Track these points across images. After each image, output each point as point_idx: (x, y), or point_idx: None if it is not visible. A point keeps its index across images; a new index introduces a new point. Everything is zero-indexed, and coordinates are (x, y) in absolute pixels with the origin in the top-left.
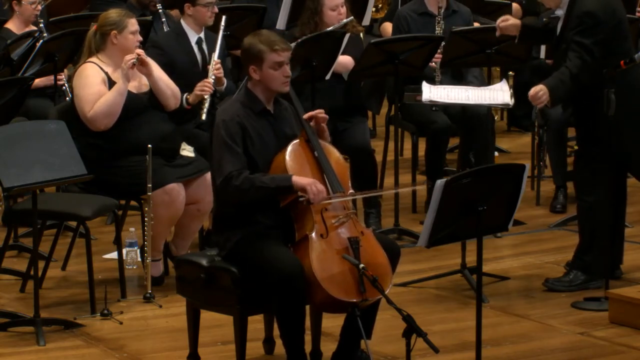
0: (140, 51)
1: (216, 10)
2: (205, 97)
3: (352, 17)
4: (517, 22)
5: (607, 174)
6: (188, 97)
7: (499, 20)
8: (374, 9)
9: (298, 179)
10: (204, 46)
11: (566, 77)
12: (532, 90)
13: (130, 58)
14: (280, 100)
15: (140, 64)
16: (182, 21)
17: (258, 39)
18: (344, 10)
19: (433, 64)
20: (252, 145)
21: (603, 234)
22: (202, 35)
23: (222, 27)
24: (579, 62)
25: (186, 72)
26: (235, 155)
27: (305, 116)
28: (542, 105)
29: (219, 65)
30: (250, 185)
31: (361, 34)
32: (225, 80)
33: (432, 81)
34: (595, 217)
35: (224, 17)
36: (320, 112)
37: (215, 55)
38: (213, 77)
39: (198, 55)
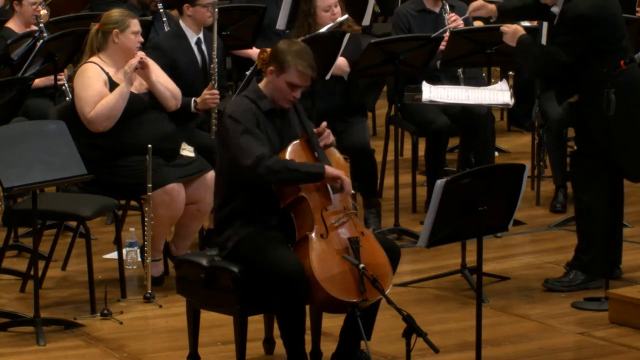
0: (142, 54)
1: (216, 10)
2: (214, 112)
3: (347, 16)
4: (493, 7)
5: (603, 173)
6: (197, 103)
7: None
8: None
9: (331, 168)
10: (204, 47)
11: (538, 51)
12: (509, 26)
13: (134, 62)
14: None
15: (141, 67)
16: (181, 22)
17: (293, 50)
18: (337, 10)
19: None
20: None
21: (601, 234)
22: (201, 35)
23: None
24: (552, 57)
25: (187, 73)
26: (261, 139)
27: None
28: (507, 42)
29: (216, 96)
30: (283, 167)
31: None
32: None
33: (432, 81)
34: (592, 217)
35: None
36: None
37: (215, 56)
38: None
39: (198, 55)
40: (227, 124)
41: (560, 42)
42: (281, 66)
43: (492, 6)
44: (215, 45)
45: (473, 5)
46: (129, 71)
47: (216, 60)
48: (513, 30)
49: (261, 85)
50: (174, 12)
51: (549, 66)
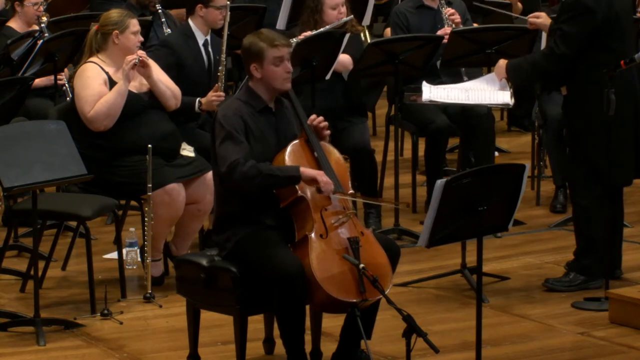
0: (142, 52)
1: (228, 12)
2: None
3: (351, 16)
4: (548, 21)
5: (599, 175)
6: (202, 104)
7: (530, 16)
8: None
9: (306, 170)
10: (210, 49)
11: (529, 61)
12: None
13: (131, 59)
14: (282, 100)
15: (141, 65)
16: (190, 22)
17: (258, 37)
18: (344, 9)
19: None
20: (253, 142)
21: (601, 236)
22: (208, 37)
23: (227, 17)
24: (549, 52)
25: (193, 74)
26: (240, 144)
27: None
28: (500, 78)
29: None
30: (257, 172)
31: (362, 34)
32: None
33: (432, 78)
34: (591, 221)
35: (226, 22)
36: (319, 121)
37: (223, 56)
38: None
39: (204, 56)
40: (215, 128)
41: (559, 34)
42: (259, 55)
43: (549, 20)
44: (224, 47)
45: (534, 13)
46: (126, 69)
47: (224, 62)
48: (497, 65)
49: (251, 84)
50: (173, 12)
51: (550, 62)
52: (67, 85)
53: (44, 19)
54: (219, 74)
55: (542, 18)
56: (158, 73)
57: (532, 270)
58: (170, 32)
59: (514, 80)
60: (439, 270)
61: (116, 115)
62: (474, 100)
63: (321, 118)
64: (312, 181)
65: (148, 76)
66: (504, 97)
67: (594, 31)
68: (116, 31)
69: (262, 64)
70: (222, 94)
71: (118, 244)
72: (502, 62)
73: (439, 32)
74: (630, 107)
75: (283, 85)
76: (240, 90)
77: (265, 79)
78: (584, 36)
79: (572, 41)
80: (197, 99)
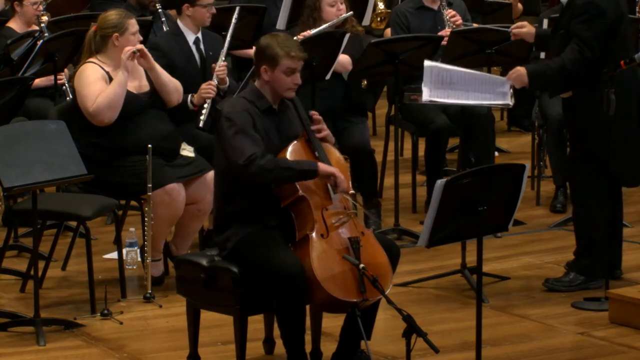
0: (140, 45)
1: (214, 10)
2: (207, 102)
3: (351, 13)
4: (532, 30)
5: (602, 177)
6: (193, 98)
7: (513, 27)
8: (378, 20)
9: (323, 165)
10: (202, 46)
11: (555, 67)
12: (511, 72)
13: (129, 49)
14: (284, 100)
15: (141, 56)
16: (179, 21)
17: (276, 41)
18: (342, 7)
19: None
20: None
21: (601, 236)
22: (199, 35)
23: (233, 21)
24: (578, 56)
25: (185, 72)
26: (255, 139)
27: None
28: (519, 86)
29: (224, 68)
30: (275, 165)
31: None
32: (227, 80)
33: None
34: (593, 222)
35: (235, 15)
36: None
37: (223, 56)
38: (217, 80)
39: (196, 54)
40: (222, 124)
41: (579, 39)
42: (273, 60)
43: (533, 29)
44: (226, 45)
45: (518, 23)
46: (124, 58)
47: (222, 59)
48: (515, 73)
49: (257, 84)
50: (173, 12)
51: (579, 66)
52: (67, 85)
53: (44, 19)
54: (213, 65)
55: (526, 27)
56: (159, 67)
57: (532, 270)
58: None
59: (540, 87)
60: (439, 270)
61: (118, 106)
62: (474, 100)
63: (320, 123)
64: (329, 177)
65: (150, 68)
66: (504, 97)
67: (606, 32)
68: (116, 34)
69: (274, 69)
70: (213, 83)
71: (118, 244)
72: (522, 70)
73: (440, 34)
74: (633, 106)
75: (286, 94)
76: (244, 88)
77: (272, 83)
78: (599, 38)
79: (593, 44)
80: (189, 95)
